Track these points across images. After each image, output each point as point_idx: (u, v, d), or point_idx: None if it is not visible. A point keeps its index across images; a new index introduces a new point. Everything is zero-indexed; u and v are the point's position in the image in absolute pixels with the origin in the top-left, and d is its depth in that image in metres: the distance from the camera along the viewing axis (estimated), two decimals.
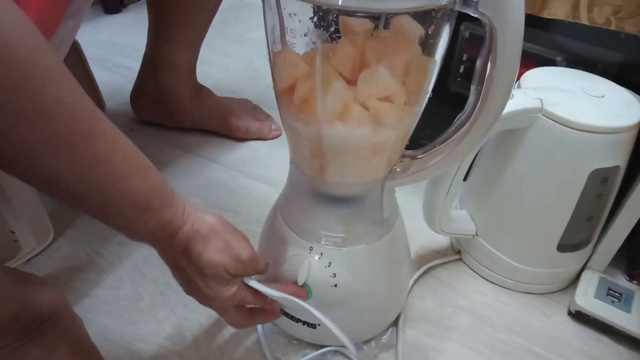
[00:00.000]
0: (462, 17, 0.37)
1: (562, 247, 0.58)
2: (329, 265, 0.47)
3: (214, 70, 1.04)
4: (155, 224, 0.38)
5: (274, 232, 0.52)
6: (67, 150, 0.32)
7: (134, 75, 0.85)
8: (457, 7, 0.36)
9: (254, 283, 0.45)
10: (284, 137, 0.87)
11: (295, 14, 0.37)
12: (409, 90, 0.40)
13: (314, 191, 0.48)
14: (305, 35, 0.38)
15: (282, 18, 0.39)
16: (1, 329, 0.45)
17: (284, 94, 0.42)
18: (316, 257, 0.48)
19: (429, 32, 0.38)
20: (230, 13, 1.26)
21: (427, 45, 0.39)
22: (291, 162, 0.49)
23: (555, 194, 0.55)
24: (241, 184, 0.78)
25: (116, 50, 1.11)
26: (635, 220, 0.58)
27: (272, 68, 0.43)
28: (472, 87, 0.41)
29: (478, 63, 0.39)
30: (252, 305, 0.48)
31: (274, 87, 0.43)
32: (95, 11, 1.23)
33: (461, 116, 0.43)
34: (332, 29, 0.37)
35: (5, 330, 0.45)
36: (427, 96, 0.43)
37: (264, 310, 0.49)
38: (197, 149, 0.85)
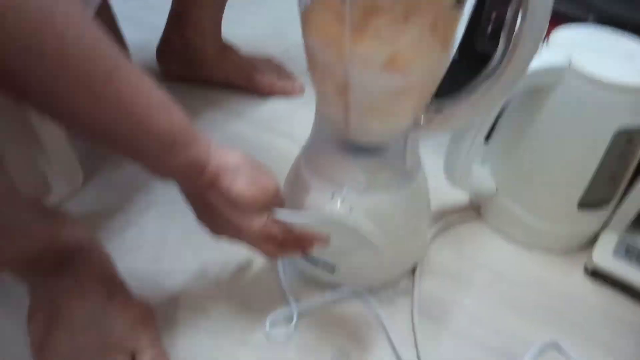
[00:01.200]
0: None
1: (583, 205, 0.59)
2: (350, 211, 0.48)
3: (239, 30, 1.03)
4: (182, 160, 0.39)
5: (297, 178, 0.53)
6: (91, 89, 0.33)
7: (159, 32, 0.85)
8: None
9: (280, 211, 0.46)
10: (307, 96, 0.89)
11: None
12: (438, 35, 0.40)
13: (338, 139, 0.50)
14: None
15: None
16: (30, 262, 0.47)
17: (315, 42, 0.43)
18: (338, 203, 0.49)
19: None
20: None
21: None
22: (317, 110, 0.50)
23: (580, 152, 0.56)
24: (264, 139, 0.79)
25: (143, 6, 1.11)
26: None
27: (302, 14, 0.43)
28: (502, 35, 0.41)
29: (509, 12, 0.39)
30: (282, 236, 0.48)
31: (303, 32, 0.44)
32: None
33: (490, 65, 0.43)
34: None
35: (34, 263, 0.47)
36: (455, 46, 0.43)
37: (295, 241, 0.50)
38: (222, 104, 0.86)
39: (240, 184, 0.42)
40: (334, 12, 0.40)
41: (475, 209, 0.69)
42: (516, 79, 0.42)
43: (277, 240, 0.48)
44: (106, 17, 0.84)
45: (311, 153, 0.53)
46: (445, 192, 0.66)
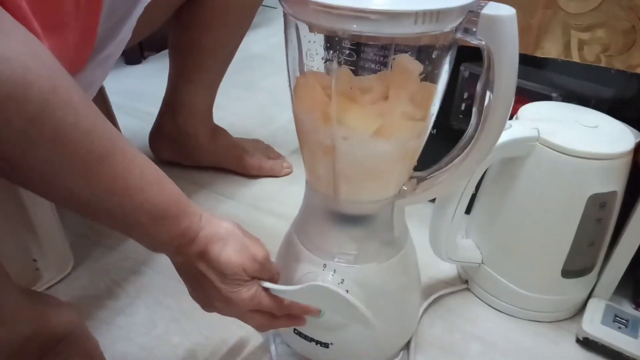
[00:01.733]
0: (462, 59, 0.40)
1: (567, 273, 0.60)
2: (341, 282, 0.49)
3: (229, 115, 1.09)
4: (173, 232, 0.40)
5: (289, 250, 0.54)
6: (85, 171, 0.34)
7: (152, 119, 0.90)
8: (459, 35, 0.40)
9: (268, 284, 0.46)
10: (295, 175, 0.92)
11: (314, 42, 0.41)
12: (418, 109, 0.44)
13: (327, 210, 0.51)
14: (324, 61, 0.42)
15: (301, 49, 0.43)
16: (17, 349, 0.46)
17: (304, 113, 0.46)
18: (329, 274, 0.50)
19: (433, 58, 0.42)
20: (244, 63, 1.33)
21: (432, 71, 0.43)
22: (307, 183, 0.52)
23: (556, 220, 0.58)
24: (254, 218, 0.81)
25: (136, 97, 1.17)
26: (636, 247, 0.59)
27: (292, 91, 0.47)
28: (474, 109, 0.44)
29: (478, 86, 0.43)
30: (271, 311, 0.48)
31: (293, 109, 0.47)
32: (117, 62, 1.31)
33: (465, 137, 0.46)
34: (346, 53, 0.41)
35: (21, 350, 0.47)
36: (433, 117, 0.46)
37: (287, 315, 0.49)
38: (213, 186, 0.88)
39: (229, 253, 0.43)
40: (321, 90, 0.43)
41: (463, 281, 0.70)
42: (488, 148, 0.45)
43: (268, 312, 0.47)
44: (101, 105, 0.88)
45: (302, 225, 0.55)
46: (433, 265, 0.67)
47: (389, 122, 0.43)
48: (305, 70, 0.45)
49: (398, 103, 0.43)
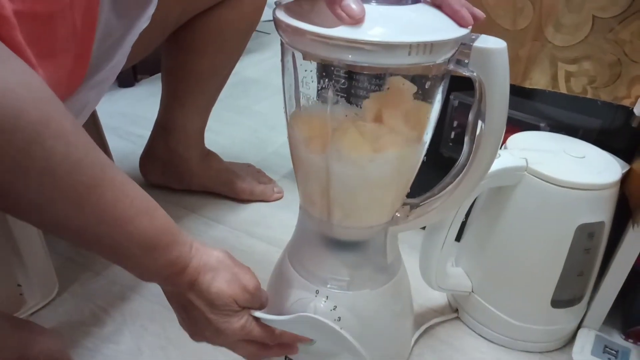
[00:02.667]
0: (452, 88, 0.41)
1: (556, 303, 0.60)
2: (334, 309, 0.49)
3: (221, 138, 1.09)
4: (164, 261, 0.40)
5: (281, 275, 0.54)
6: (75, 201, 0.34)
7: (143, 142, 0.90)
8: (451, 67, 0.41)
9: (259, 314, 0.45)
10: (286, 200, 0.92)
11: (311, 71, 0.42)
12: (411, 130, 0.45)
13: (321, 236, 0.51)
14: (319, 88, 0.43)
15: (297, 76, 0.44)
16: None
17: (299, 138, 0.46)
18: (322, 301, 0.49)
19: (427, 87, 0.43)
20: (238, 87, 1.35)
21: (425, 98, 0.44)
22: (300, 208, 0.52)
23: (545, 250, 0.58)
24: (245, 243, 0.81)
25: (128, 119, 1.17)
26: (624, 277, 0.59)
27: (287, 117, 0.47)
28: (466, 139, 0.45)
29: (470, 116, 0.43)
30: (262, 341, 0.48)
31: (289, 134, 0.47)
32: (110, 85, 1.32)
33: (457, 166, 0.47)
34: (342, 82, 0.42)
35: None
36: (426, 144, 0.47)
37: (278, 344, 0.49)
38: (203, 210, 0.88)
39: (220, 283, 0.43)
40: (316, 116, 0.44)
41: (454, 309, 0.69)
42: (480, 176, 0.46)
43: (258, 342, 0.47)
44: (92, 128, 0.88)
45: (295, 250, 0.54)
46: (423, 293, 0.67)
47: (383, 145, 0.44)
48: (301, 96, 0.45)
49: (392, 123, 0.44)
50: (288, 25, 0.38)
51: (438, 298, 0.71)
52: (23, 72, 0.31)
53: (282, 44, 0.42)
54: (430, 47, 0.36)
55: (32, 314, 0.65)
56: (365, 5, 0.36)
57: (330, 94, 0.42)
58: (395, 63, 0.37)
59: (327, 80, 0.41)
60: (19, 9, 0.34)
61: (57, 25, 0.40)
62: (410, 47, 0.36)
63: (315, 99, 0.44)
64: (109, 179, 0.36)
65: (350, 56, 0.36)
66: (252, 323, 0.45)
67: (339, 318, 0.49)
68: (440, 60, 0.39)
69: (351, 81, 0.43)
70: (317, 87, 0.43)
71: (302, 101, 0.45)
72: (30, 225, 0.61)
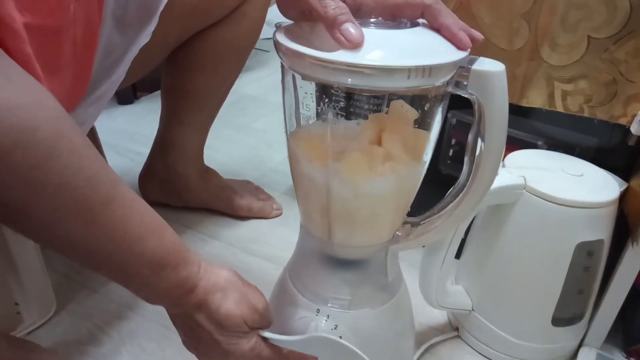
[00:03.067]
0: (450, 106, 0.42)
1: (557, 321, 0.59)
2: (335, 328, 0.49)
3: (220, 156, 1.09)
4: (172, 281, 0.40)
5: (282, 294, 0.54)
6: (86, 216, 0.34)
7: (142, 159, 0.90)
8: (450, 89, 0.41)
9: (268, 334, 0.45)
10: (285, 216, 0.91)
11: (311, 94, 0.43)
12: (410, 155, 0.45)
13: (322, 254, 0.51)
14: (319, 109, 0.44)
15: (297, 96, 0.45)
16: None
17: (299, 156, 0.46)
18: (323, 320, 0.49)
19: (426, 109, 0.43)
20: (236, 105, 1.35)
21: (425, 119, 0.44)
22: (301, 226, 0.52)
23: (545, 268, 0.58)
24: (242, 260, 0.80)
25: (127, 136, 1.17)
26: (625, 295, 0.59)
27: (288, 136, 0.48)
28: (466, 158, 0.45)
29: (470, 136, 0.44)
30: None
31: (289, 152, 0.48)
32: (110, 101, 1.32)
33: (457, 185, 0.47)
34: (341, 102, 0.42)
35: None
36: (426, 164, 0.47)
37: None
38: (201, 227, 0.88)
39: (229, 304, 0.42)
40: (316, 135, 0.44)
41: (454, 328, 0.69)
42: (481, 196, 0.46)
43: None
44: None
45: (296, 269, 0.54)
46: (423, 311, 0.67)
47: (383, 167, 0.44)
48: (301, 116, 0.46)
49: (391, 147, 0.44)
50: (288, 49, 0.38)
51: (438, 316, 0.71)
52: (35, 88, 0.31)
53: (282, 66, 0.43)
54: (429, 70, 0.37)
55: (29, 332, 0.65)
56: (364, 29, 0.37)
57: (330, 115, 0.42)
58: (394, 86, 0.37)
59: (327, 100, 0.42)
60: (29, 21, 0.34)
61: (63, 41, 0.41)
62: (409, 71, 0.36)
63: (315, 119, 0.45)
64: (120, 196, 0.36)
65: (349, 80, 0.36)
66: (261, 344, 0.45)
67: (340, 337, 0.48)
68: (439, 82, 0.39)
69: (351, 101, 0.44)
70: (317, 108, 0.44)
71: (302, 121, 0.46)
72: (28, 242, 0.61)
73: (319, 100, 0.43)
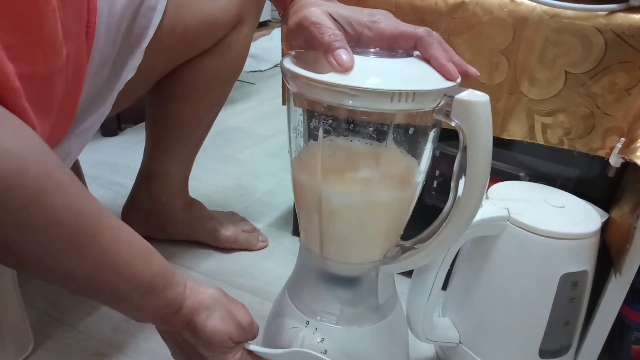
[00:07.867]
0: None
1: (544, 353, 0.59)
2: (321, 341, 0.50)
3: (205, 187, 1.09)
4: (160, 303, 0.42)
5: (280, 303, 0.56)
6: (76, 249, 0.35)
7: (126, 192, 0.89)
8: (436, 116, 0.43)
9: (253, 347, 0.48)
10: (270, 248, 0.91)
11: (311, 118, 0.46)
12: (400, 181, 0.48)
13: (317, 269, 0.53)
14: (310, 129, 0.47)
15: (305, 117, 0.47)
16: None
17: (300, 176, 0.49)
18: (311, 332, 0.50)
19: (415, 136, 0.46)
20: (221, 136, 1.36)
21: (417, 146, 0.47)
22: (301, 244, 0.54)
23: (530, 299, 0.58)
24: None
25: (111, 169, 1.16)
26: (610, 326, 0.60)
27: (291, 156, 0.50)
28: (452, 184, 0.46)
29: (456, 165, 0.45)
30: None
31: (292, 171, 0.50)
32: (94, 134, 1.32)
33: (444, 211, 0.47)
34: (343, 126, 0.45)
35: None
36: (418, 184, 0.49)
37: None
38: (184, 260, 0.86)
39: (215, 321, 0.44)
40: (317, 155, 0.47)
41: None
42: (467, 222, 0.47)
43: None
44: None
45: (294, 282, 0.56)
46: (411, 344, 0.66)
47: (375, 191, 0.47)
48: (301, 142, 0.49)
49: (383, 180, 0.47)
50: (287, 70, 0.42)
51: (426, 350, 0.70)
52: (23, 131, 0.33)
53: (287, 89, 0.46)
54: (412, 95, 0.39)
55: None
56: (361, 57, 0.40)
57: (326, 141, 0.45)
58: (378, 108, 0.40)
59: (328, 124, 0.45)
60: (22, 71, 0.35)
61: (55, 84, 0.42)
62: (392, 95, 0.38)
63: (314, 141, 0.47)
64: (106, 227, 0.37)
65: (350, 102, 0.39)
66: (246, 357, 0.47)
67: (325, 351, 0.50)
68: (426, 108, 0.41)
69: (349, 124, 0.46)
70: (322, 133, 0.46)
71: (303, 144, 0.49)
72: (5, 277, 0.60)
73: (318, 123, 0.45)
